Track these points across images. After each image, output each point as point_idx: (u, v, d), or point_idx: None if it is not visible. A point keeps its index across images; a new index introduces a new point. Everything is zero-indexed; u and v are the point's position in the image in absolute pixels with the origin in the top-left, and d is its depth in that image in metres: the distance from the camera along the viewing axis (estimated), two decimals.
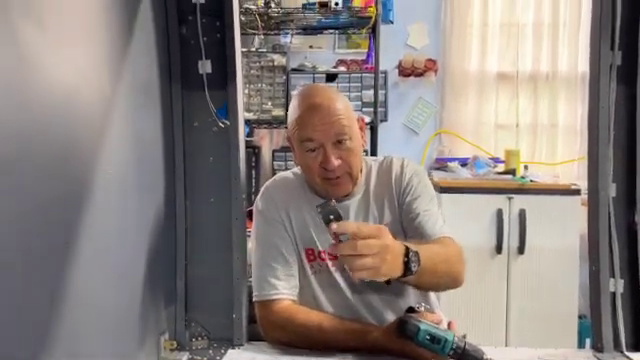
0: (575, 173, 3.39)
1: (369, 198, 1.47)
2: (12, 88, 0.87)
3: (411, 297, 1.43)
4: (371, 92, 2.86)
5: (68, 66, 1.06)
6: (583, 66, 3.41)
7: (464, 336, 1.20)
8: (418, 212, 1.41)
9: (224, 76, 1.50)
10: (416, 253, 1.15)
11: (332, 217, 1.10)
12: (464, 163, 3.22)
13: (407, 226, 1.43)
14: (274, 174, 2.89)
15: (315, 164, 1.37)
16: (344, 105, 1.39)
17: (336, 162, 1.35)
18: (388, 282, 1.20)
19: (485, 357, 1.17)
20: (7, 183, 0.85)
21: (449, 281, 1.33)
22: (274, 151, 3.11)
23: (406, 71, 3.51)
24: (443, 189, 2.90)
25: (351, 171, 1.40)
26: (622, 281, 1.41)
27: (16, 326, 0.89)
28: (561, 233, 2.88)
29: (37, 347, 0.96)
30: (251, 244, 1.53)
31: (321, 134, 1.35)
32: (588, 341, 2.75)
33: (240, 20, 1.72)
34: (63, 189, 1.04)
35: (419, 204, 1.43)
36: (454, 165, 3.20)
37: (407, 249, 1.15)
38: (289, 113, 1.45)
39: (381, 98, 2.91)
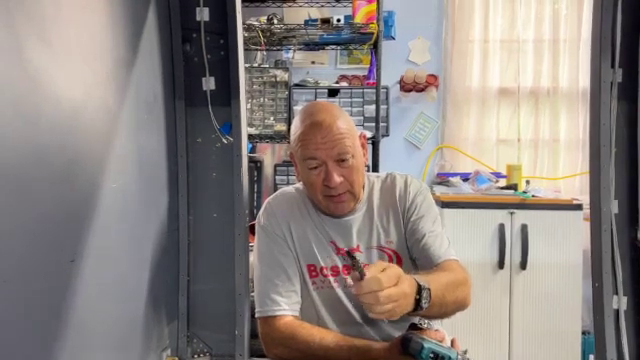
0: (577, 188, 3.39)
1: (373, 214, 1.47)
2: (20, 104, 0.88)
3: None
4: (373, 107, 2.88)
5: (74, 83, 1.07)
6: (584, 81, 3.42)
7: (465, 352, 1.20)
8: (424, 233, 1.41)
9: (227, 93, 1.51)
10: (428, 290, 1.16)
11: (354, 268, 1.07)
12: (466, 178, 3.22)
13: (412, 246, 1.43)
14: (276, 188, 2.90)
15: (317, 181, 1.38)
16: (347, 123, 1.40)
17: (338, 179, 1.35)
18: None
19: None
20: (14, 198, 0.86)
21: (456, 308, 1.32)
22: (276, 165, 3.12)
23: (407, 86, 3.53)
24: (445, 204, 2.90)
25: (353, 189, 1.40)
26: (625, 298, 1.41)
27: (19, 342, 0.89)
28: (563, 248, 2.87)
29: None
30: (253, 259, 1.53)
31: (323, 152, 1.35)
32: (592, 358, 2.73)
33: (243, 36, 1.74)
34: (68, 204, 1.04)
35: (424, 224, 1.43)
36: (456, 180, 3.20)
37: (419, 287, 1.14)
38: (292, 130, 1.45)
39: (383, 113, 2.91)
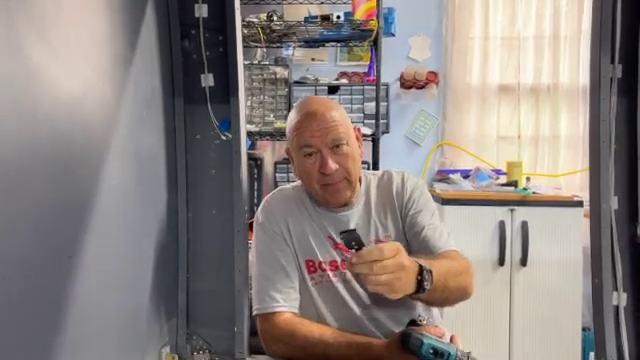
0: (577, 185, 3.39)
1: (370, 210, 1.47)
2: (19, 100, 0.88)
3: (415, 309, 1.42)
4: (373, 104, 2.87)
5: (73, 79, 1.07)
6: (584, 78, 3.41)
7: (469, 353, 1.19)
8: (423, 225, 1.42)
9: (226, 89, 1.51)
10: (429, 272, 1.16)
11: (354, 244, 1.09)
12: (466, 175, 3.21)
13: (412, 240, 1.43)
14: (276, 186, 2.89)
15: (313, 170, 1.39)
16: (340, 113, 1.42)
17: (334, 166, 1.37)
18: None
19: None
20: (12, 194, 0.86)
21: (459, 295, 1.34)
22: (276, 163, 3.11)
23: (408, 83, 3.52)
24: (445, 201, 2.89)
25: (349, 177, 1.40)
26: (625, 294, 1.40)
27: (18, 338, 0.89)
28: (564, 245, 2.87)
29: (38, 358, 0.96)
30: (251, 257, 1.53)
31: (318, 140, 1.37)
32: (592, 355, 2.72)
33: (242, 33, 1.74)
34: (67, 200, 1.04)
35: (423, 217, 1.44)
36: (456, 177, 3.19)
37: (421, 267, 1.15)
38: (287, 123, 1.47)
39: (383, 110, 2.90)
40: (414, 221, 1.44)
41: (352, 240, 1.09)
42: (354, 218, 1.46)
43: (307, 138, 1.38)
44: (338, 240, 1.44)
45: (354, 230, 1.13)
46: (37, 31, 0.95)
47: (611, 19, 1.38)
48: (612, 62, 1.40)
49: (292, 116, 1.44)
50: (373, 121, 2.84)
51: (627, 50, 1.40)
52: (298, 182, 1.53)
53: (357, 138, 1.46)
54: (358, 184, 1.47)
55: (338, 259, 1.44)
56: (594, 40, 1.43)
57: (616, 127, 1.42)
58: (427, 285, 1.15)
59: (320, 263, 1.44)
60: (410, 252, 1.42)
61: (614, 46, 1.39)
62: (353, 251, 1.09)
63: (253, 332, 1.49)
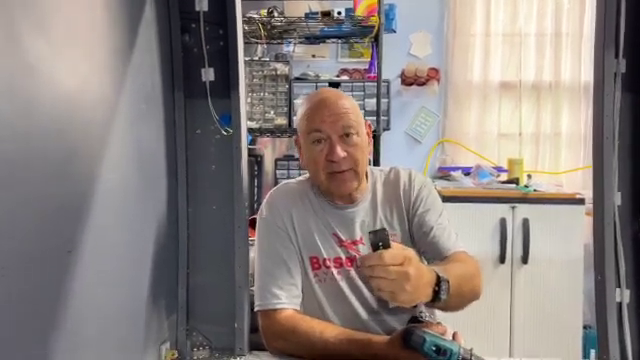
0: (579, 182, 3.38)
1: (376, 206, 1.46)
2: (16, 94, 0.87)
3: (418, 307, 1.41)
4: (374, 101, 2.86)
5: (71, 73, 1.06)
6: (586, 75, 3.41)
7: (471, 350, 1.18)
8: (431, 225, 1.41)
9: (227, 84, 1.50)
10: (447, 282, 1.15)
11: (381, 245, 1.07)
12: (467, 172, 3.21)
13: (420, 240, 1.42)
14: (276, 183, 2.89)
15: (321, 157, 1.38)
16: (351, 103, 1.42)
17: (342, 154, 1.36)
18: (414, 305, 1.20)
19: None
20: (10, 189, 0.85)
21: (471, 298, 1.34)
22: (276, 160, 3.11)
23: (409, 80, 3.52)
24: (446, 198, 2.87)
25: (356, 168, 1.39)
26: (628, 291, 1.39)
27: (16, 334, 0.88)
28: (565, 243, 2.87)
29: (37, 355, 0.95)
30: (254, 252, 1.52)
31: (329, 125, 1.36)
32: (593, 352, 2.72)
33: (243, 29, 1.73)
34: (65, 196, 1.03)
35: (431, 217, 1.43)
36: (457, 174, 3.19)
37: (438, 278, 1.14)
38: (298, 113, 1.48)
39: (384, 107, 2.90)
40: (422, 221, 1.43)
41: (379, 240, 1.07)
42: (360, 215, 1.45)
43: (317, 123, 1.37)
44: (343, 237, 1.43)
45: (384, 229, 1.11)
46: (36, 25, 0.94)
47: (615, 13, 1.37)
48: (616, 57, 1.38)
49: (303, 104, 1.44)
50: (374, 118, 2.83)
51: (631, 45, 1.39)
52: (302, 177, 1.52)
53: (367, 134, 1.45)
54: (365, 179, 1.45)
55: (342, 256, 1.42)
56: (598, 34, 1.41)
57: (620, 123, 1.40)
58: (443, 295, 1.14)
59: (324, 260, 1.42)
60: (418, 252, 1.42)
61: (618, 40, 1.38)
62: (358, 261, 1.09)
63: (254, 329, 1.48)
